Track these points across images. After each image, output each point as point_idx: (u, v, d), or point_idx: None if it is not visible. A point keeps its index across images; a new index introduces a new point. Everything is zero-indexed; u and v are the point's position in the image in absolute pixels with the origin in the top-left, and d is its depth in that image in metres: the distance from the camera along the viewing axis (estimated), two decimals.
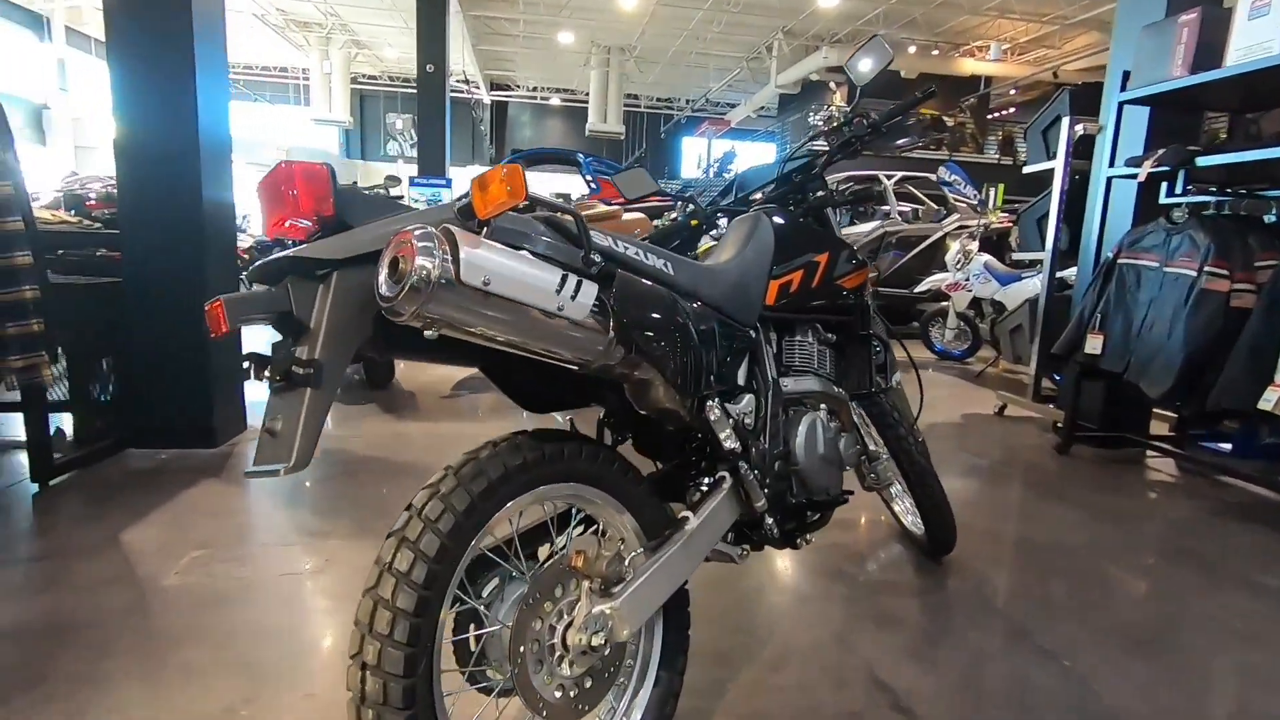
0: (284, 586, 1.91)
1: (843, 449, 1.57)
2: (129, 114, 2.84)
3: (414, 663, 0.91)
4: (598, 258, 1.06)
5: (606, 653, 1.11)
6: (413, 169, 12.12)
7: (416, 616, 0.92)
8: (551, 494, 1.12)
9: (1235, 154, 2.77)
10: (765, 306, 1.47)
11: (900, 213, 7.51)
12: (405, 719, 0.92)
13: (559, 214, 1.06)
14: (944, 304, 5.96)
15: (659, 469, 1.47)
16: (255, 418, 3.30)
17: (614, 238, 1.15)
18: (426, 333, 0.88)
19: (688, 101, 22.32)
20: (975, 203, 6.89)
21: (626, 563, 1.14)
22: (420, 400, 4.10)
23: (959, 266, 5.54)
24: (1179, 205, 3.01)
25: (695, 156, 21.66)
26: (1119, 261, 3.15)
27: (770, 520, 1.39)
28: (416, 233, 0.84)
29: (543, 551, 1.22)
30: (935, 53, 15.19)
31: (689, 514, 1.25)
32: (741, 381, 1.41)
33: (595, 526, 1.25)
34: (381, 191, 4.86)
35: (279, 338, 0.95)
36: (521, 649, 1.04)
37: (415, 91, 11.39)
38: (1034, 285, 4.70)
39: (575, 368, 1.08)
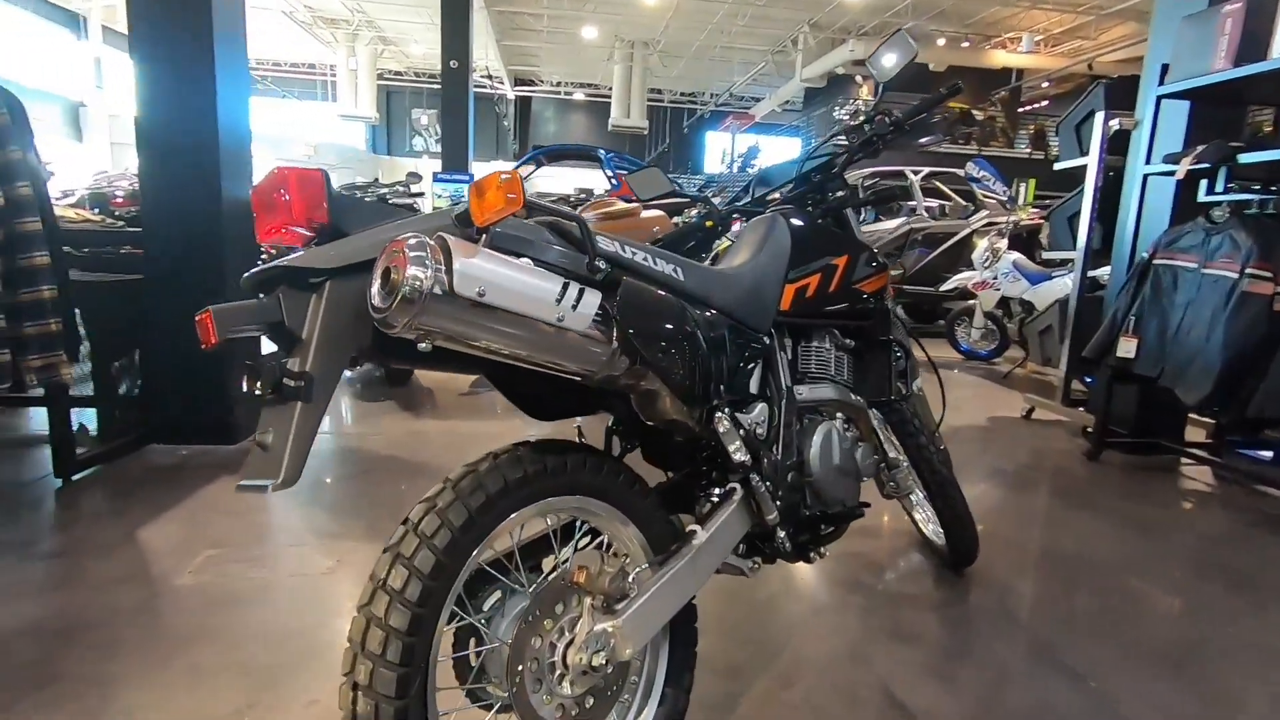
0: (295, 588, 1.91)
1: (859, 459, 1.52)
2: (150, 111, 2.87)
3: (407, 683, 0.89)
4: (603, 264, 1.02)
5: (609, 671, 1.08)
6: (438, 164, 12.18)
7: (410, 636, 0.89)
8: (554, 507, 1.09)
9: None
10: (780, 312, 1.42)
11: (926, 209, 7.36)
12: None
13: (562, 219, 1.03)
14: (970, 303, 5.83)
15: (668, 478, 1.43)
16: None
17: (621, 243, 1.11)
18: (420, 345, 0.85)
19: (711, 96, 22.17)
20: (1004, 199, 6.72)
21: (630, 579, 1.11)
22: (438, 398, 4.10)
23: (987, 265, 5.40)
24: (1219, 204, 2.88)
25: (719, 151, 21.51)
26: (1155, 262, 3.04)
27: (782, 533, 1.34)
28: (409, 241, 0.81)
29: (547, 563, 1.19)
30: (965, 45, 14.89)
31: (697, 528, 1.21)
32: (754, 390, 1.36)
33: (600, 539, 1.22)
34: (402, 189, 4.88)
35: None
36: (520, 667, 1.01)
37: (440, 87, 11.44)
38: (1065, 285, 4.56)
39: (578, 379, 1.04)
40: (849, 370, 1.59)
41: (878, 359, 1.68)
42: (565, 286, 0.93)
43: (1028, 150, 15.16)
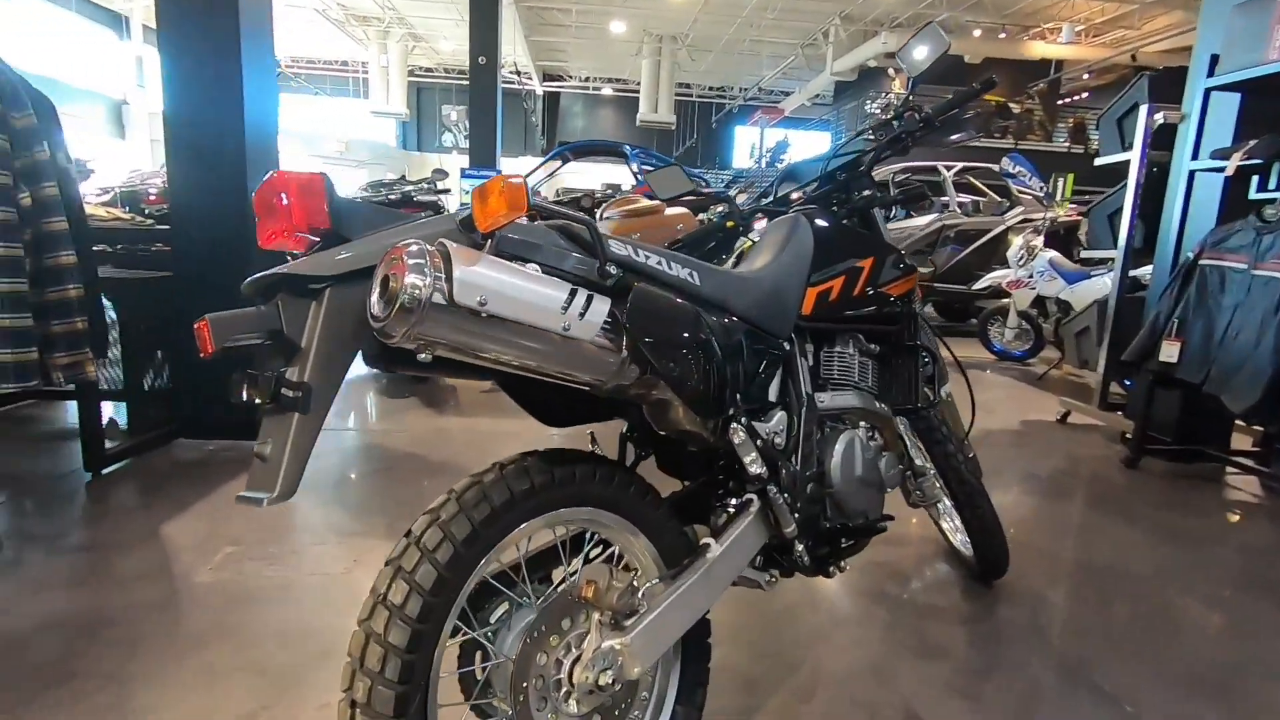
0: (313, 587, 1.91)
1: (883, 470, 1.46)
2: (177, 108, 2.91)
3: (405, 702, 0.87)
4: (614, 269, 0.99)
5: (616, 690, 1.04)
6: (467, 160, 12.26)
7: (409, 653, 0.87)
8: (562, 519, 1.06)
9: None
10: (801, 316, 1.37)
11: (960, 205, 7.19)
12: None
13: (572, 222, 0.99)
14: (1004, 302, 5.68)
15: (683, 488, 1.39)
16: None
17: (635, 246, 1.07)
18: (419, 356, 0.83)
19: (740, 90, 21.97)
20: (1041, 195, 6.53)
21: (640, 594, 1.07)
22: (461, 395, 4.11)
23: (1022, 263, 5.26)
24: (1271, 201, 2.75)
25: (748, 146, 21.31)
26: (1201, 262, 2.91)
27: (801, 546, 1.30)
28: (409, 249, 0.79)
29: (557, 574, 1.16)
30: (1002, 36, 14.52)
31: (711, 541, 1.17)
32: (773, 397, 1.32)
33: (611, 550, 1.19)
34: (427, 186, 4.89)
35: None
36: (525, 684, 0.99)
37: (469, 83, 11.50)
38: (1104, 285, 4.42)
39: (587, 388, 1.01)
40: (874, 377, 1.53)
41: (904, 365, 1.62)
42: (573, 294, 0.90)
43: (1066, 144, 14.75)
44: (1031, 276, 5.15)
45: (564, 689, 1.02)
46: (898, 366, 1.60)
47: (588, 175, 13.19)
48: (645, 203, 3.99)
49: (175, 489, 2.54)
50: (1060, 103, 15.86)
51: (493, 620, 1.07)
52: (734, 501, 1.27)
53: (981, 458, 1.98)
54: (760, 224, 1.83)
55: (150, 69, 16.07)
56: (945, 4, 13.09)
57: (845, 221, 1.59)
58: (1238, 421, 3.26)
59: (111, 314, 2.81)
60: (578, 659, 1.02)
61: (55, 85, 13.33)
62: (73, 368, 1.97)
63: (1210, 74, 3.03)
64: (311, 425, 0.84)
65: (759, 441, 1.20)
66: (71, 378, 1.96)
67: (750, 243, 2.01)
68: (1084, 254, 5.35)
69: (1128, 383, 3.84)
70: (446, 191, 5.20)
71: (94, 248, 2.51)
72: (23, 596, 1.81)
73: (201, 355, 0.80)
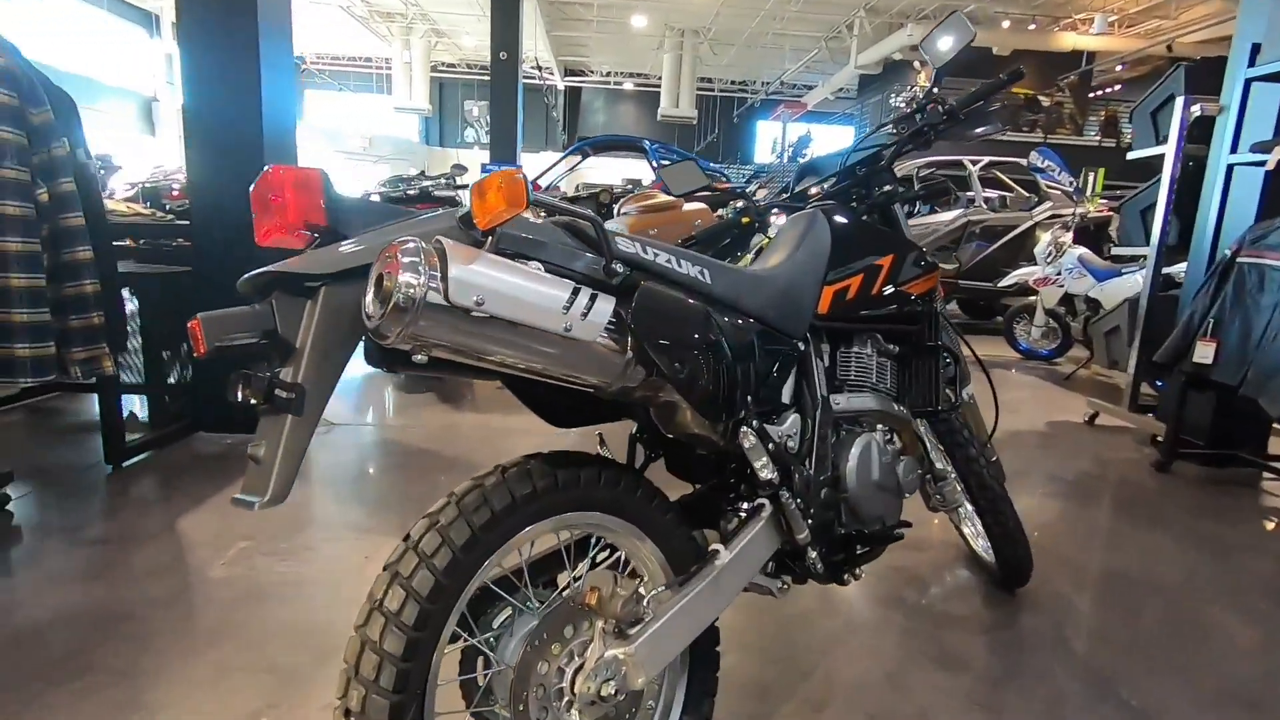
0: (324, 583, 1.91)
1: (901, 474, 1.42)
2: (196, 103, 2.93)
3: (401, 712, 0.84)
4: (620, 267, 0.96)
5: (620, 700, 1.02)
6: (488, 156, 12.30)
7: (405, 661, 0.85)
8: (566, 524, 1.03)
9: None
10: (817, 315, 1.33)
11: (986, 200, 7.04)
12: None
13: (577, 218, 0.96)
14: (1031, 299, 5.55)
15: (694, 490, 1.36)
16: None
17: (643, 243, 1.04)
18: (415, 357, 0.80)
19: (763, 84, 21.77)
20: (1070, 190, 6.37)
21: (646, 601, 1.04)
22: (477, 390, 4.11)
23: (1050, 259, 5.12)
24: None
25: (769, 141, 21.14)
26: (1239, 260, 2.80)
27: (814, 553, 1.26)
28: (404, 246, 0.76)
29: (562, 579, 1.14)
30: (1032, 27, 14.20)
31: (720, 547, 1.13)
32: (787, 399, 1.28)
33: (617, 555, 1.16)
34: (446, 181, 4.89)
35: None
36: (525, 694, 0.96)
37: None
38: (1135, 282, 4.29)
39: (590, 390, 0.98)
40: (892, 378, 1.48)
41: (924, 366, 1.56)
42: (575, 293, 0.87)
43: (1097, 138, 14.40)
44: (1060, 274, 5.02)
45: (566, 698, 0.99)
46: (917, 367, 1.55)
47: (608, 170, 13.15)
48: (663, 198, 3.95)
49: (193, 483, 2.56)
50: (1091, 95, 15.48)
51: (495, 625, 1.05)
52: (745, 506, 1.24)
53: (1005, 459, 1.92)
54: (778, 220, 1.79)
55: (180, 66, 16.34)
56: None
57: (865, 217, 1.54)
58: (1275, 425, 3.14)
59: (133, 307, 2.85)
60: (580, 668, 0.99)
61: (88, 83, 13.62)
62: (90, 363, 1.98)
63: (1251, 64, 2.91)
64: (305, 427, 0.82)
65: (771, 445, 1.17)
66: (89, 372, 1.98)
67: (767, 239, 1.96)
68: (1115, 251, 5.20)
69: (1159, 384, 3.72)
70: (465, 187, 5.20)
71: (115, 243, 2.54)
72: (41, 589, 1.83)
73: (195, 355, 0.79)
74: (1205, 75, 3.56)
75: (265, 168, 0.84)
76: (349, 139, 18.44)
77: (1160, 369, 3.26)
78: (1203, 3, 12.70)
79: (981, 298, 7.11)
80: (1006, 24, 13.98)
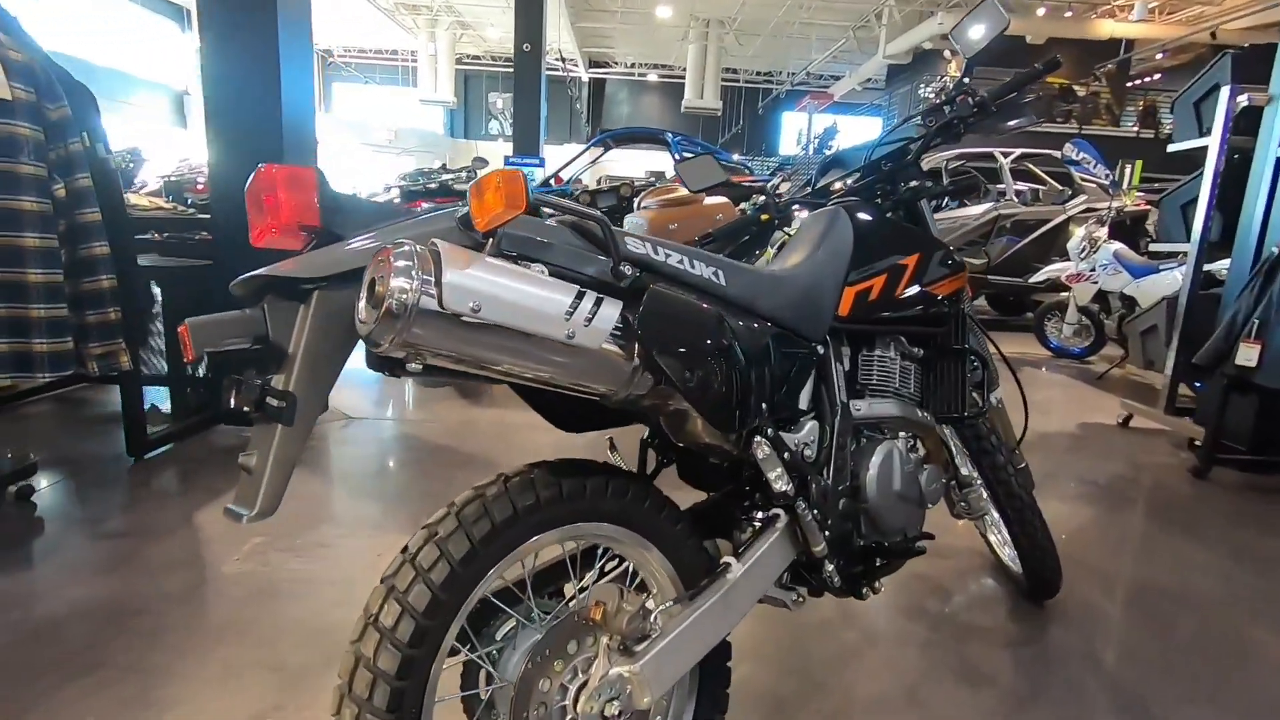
0: (334, 583, 1.90)
1: (924, 484, 1.36)
2: (216, 99, 2.94)
3: None
4: (629, 269, 0.91)
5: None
6: (512, 148, 12.30)
7: (400, 679, 0.82)
8: (571, 535, 1.00)
9: None
10: (838, 318, 1.27)
11: (1017, 193, 6.86)
12: None
13: (583, 218, 0.92)
14: (1063, 296, 5.39)
15: (707, 498, 1.31)
16: (335, 400, 3.39)
17: (654, 243, 0.99)
18: (409, 365, 0.77)
19: (789, 75, 21.50)
20: (1106, 183, 6.17)
21: (653, 617, 1.00)
22: (495, 386, 4.09)
23: (1083, 255, 4.97)
24: None
25: (795, 132, 20.88)
26: None
27: (831, 566, 1.21)
28: (398, 249, 0.72)
29: (569, 588, 1.10)
30: (1069, 14, 13.81)
31: (731, 560, 1.09)
32: (804, 405, 1.23)
33: (625, 566, 1.12)
34: (467, 175, 4.88)
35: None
36: (526, 713, 0.93)
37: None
38: (1174, 280, 4.13)
39: (596, 399, 0.94)
40: (916, 383, 1.42)
41: (950, 370, 1.49)
42: (580, 297, 0.82)
43: (1135, 129, 13.98)
44: (1094, 270, 4.87)
45: (569, 716, 0.96)
46: (943, 371, 1.48)
47: (631, 163, 13.08)
48: (684, 192, 3.89)
49: (211, 476, 2.58)
50: (1130, 84, 15.03)
51: (498, 637, 1.01)
52: (759, 516, 1.19)
53: (1035, 463, 1.85)
54: (800, 216, 1.73)
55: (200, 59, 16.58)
56: None
57: (889, 214, 1.47)
58: None
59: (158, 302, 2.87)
60: (584, 685, 0.96)
61: (122, 77, 13.89)
62: (106, 358, 1.99)
63: None
64: (295, 438, 0.79)
65: (786, 455, 1.12)
66: (105, 368, 1.99)
67: (787, 235, 1.91)
68: (1152, 247, 5.02)
69: (1198, 385, 3.59)
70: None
71: (139, 236, 2.55)
72: (60, 581, 1.85)
73: (185, 361, 0.76)
74: (1253, 63, 3.40)
75: (258, 166, 0.80)
76: (375, 131, 18.60)
77: (1200, 371, 3.14)
78: None
79: (1011, 293, 6.93)
80: (1042, 11, 13.62)
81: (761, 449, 1.07)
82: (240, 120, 2.93)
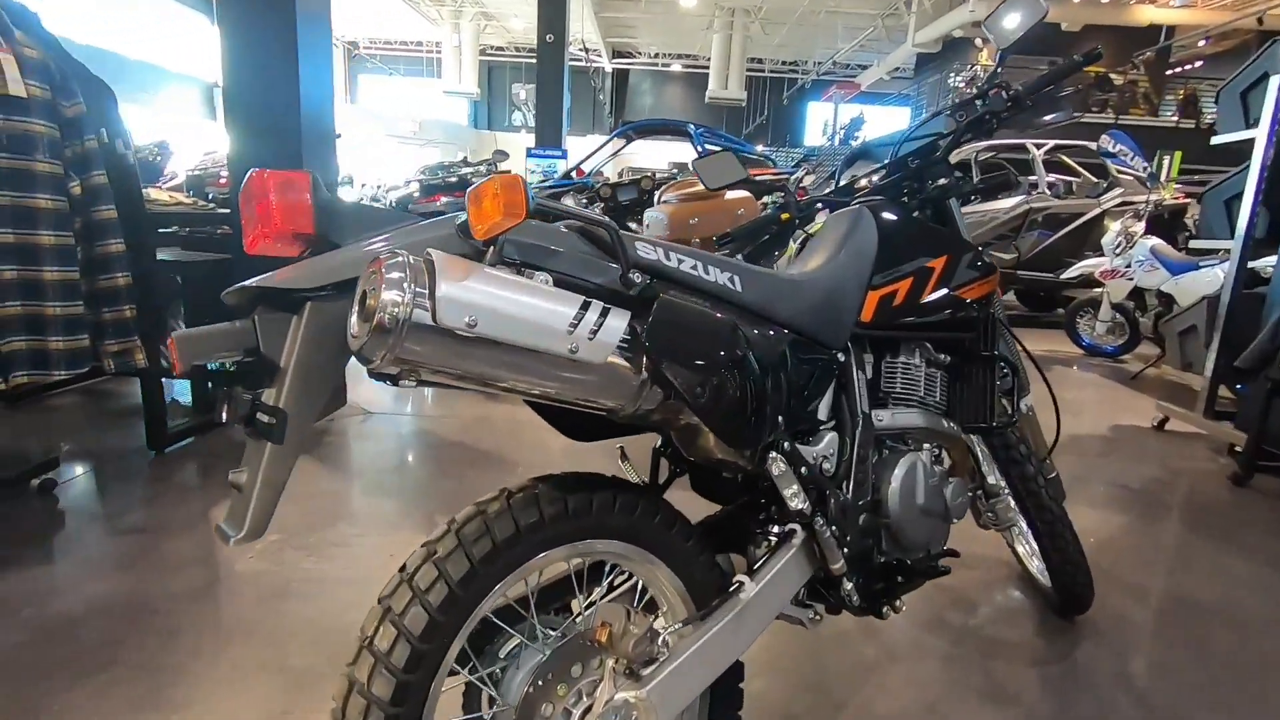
0: (347, 582, 1.89)
1: (949, 498, 1.30)
2: (235, 91, 2.94)
3: None
4: (639, 276, 0.87)
5: None
6: (534, 139, 12.28)
7: (395, 706, 0.79)
8: (577, 552, 0.96)
9: None
10: (860, 323, 1.21)
11: (1050, 185, 6.66)
12: None
13: (589, 224, 0.87)
14: (1096, 292, 5.23)
15: (720, 510, 1.27)
16: (354, 394, 3.39)
17: (665, 249, 0.95)
18: (401, 381, 0.73)
19: (814, 64, 21.17)
20: (1143, 176, 5.97)
21: (661, 639, 0.96)
22: None
23: (1119, 250, 4.81)
24: None
25: (820, 123, 20.59)
26: None
27: (850, 584, 1.16)
28: (391, 260, 0.69)
29: (577, 605, 1.06)
30: (1105, 1, 13.38)
31: (745, 579, 1.04)
32: (823, 416, 1.17)
33: (633, 582, 1.08)
34: (487, 168, 4.86)
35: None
36: None
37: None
38: (1215, 278, 3.98)
39: (604, 414, 0.90)
40: (942, 391, 1.36)
41: (979, 377, 1.42)
42: (584, 308, 0.78)
43: (1175, 118, 13.53)
44: (1129, 266, 4.71)
45: None
46: (971, 379, 1.41)
47: (654, 154, 12.98)
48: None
49: (229, 471, 2.58)
50: (1169, 73, 14.55)
51: (501, 656, 0.98)
52: (775, 530, 1.14)
53: (1065, 468, 1.77)
54: (821, 216, 1.67)
55: (220, 51, 16.75)
56: None
57: (916, 214, 1.41)
58: None
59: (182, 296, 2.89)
60: (588, 710, 0.92)
61: (153, 69, 14.07)
62: (122, 355, 2.00)
63: None
64: (285, 456, 0.76)
65: (804, 469, 1.06)
66: (121, 365, 1.99)
67: (806, 234, 1.84)
68: (1192, 243, 4.84)
69: (1240, 388, 3.44)
70: (507, 173, 5.17)
71: (162, 230, 2.55)
72: (78, 577, 1.86)
73: (173, 375, 0.73)
74: None
75: (250, 171, 0.77)
76: (400, 122, 18.69)
77: (1243, 374, 3.01)
78: None
79: (1042, 289, 6.76)
80: None
81: (777, 465, 1.02)
82: (259, 113, 2.93)
